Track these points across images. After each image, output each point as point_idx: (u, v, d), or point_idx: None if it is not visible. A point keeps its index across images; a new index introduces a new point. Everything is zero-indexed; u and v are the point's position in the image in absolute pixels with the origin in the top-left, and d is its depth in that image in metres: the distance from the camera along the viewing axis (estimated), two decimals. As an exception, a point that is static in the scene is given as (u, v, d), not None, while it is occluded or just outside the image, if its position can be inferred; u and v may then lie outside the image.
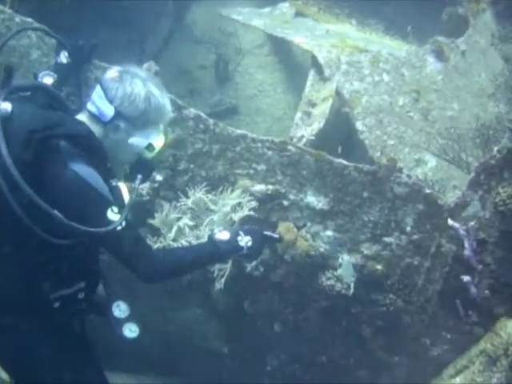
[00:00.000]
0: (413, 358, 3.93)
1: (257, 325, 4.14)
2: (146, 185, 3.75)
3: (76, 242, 2.44)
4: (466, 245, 3.38)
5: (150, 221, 3.60)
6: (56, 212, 2.27)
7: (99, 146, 2.53)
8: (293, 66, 5.73)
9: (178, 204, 3.61)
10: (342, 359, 4.12)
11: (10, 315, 2.54)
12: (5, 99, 2.37)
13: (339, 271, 3.54)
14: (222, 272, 3.56)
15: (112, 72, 2.61)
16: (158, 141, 2.67)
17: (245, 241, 2.80)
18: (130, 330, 2.83)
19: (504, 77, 4.68)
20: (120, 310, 2.83)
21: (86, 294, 2.65)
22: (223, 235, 2.78)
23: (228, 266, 3.54)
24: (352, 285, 3.53)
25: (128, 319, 2.83)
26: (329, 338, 4.06)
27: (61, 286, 2.56)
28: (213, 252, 2.75)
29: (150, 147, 2.64)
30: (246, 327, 4.19)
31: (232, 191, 3.58)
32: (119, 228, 2.41)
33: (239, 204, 3.56)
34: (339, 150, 3.67)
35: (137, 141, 2.61)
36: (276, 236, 3.02)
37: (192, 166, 3.70)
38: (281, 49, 5.78)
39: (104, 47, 3.60)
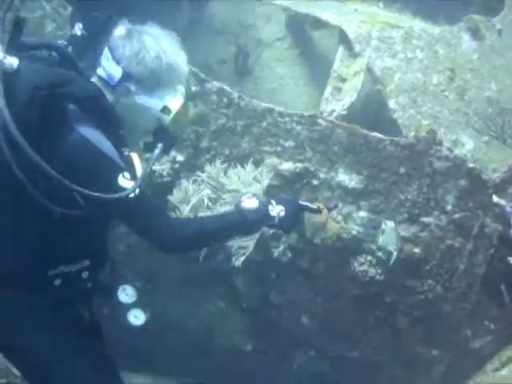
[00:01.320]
0: (452, 352, 3.65)
1: (283, 318, 3.90)
2: (167, 165, 3.56)
3: (83, 212, 2.23)
4: (514, 223, 3.12)
5: (169, 197, 3.37)
6: (59, 176, 2.07)
7: (110, 110, 2.33)
8: (314, 59, 5.55)
9: (195, 177, 3.40)
10: (376, 355, 3.85)
11: (9, 288, 2.32)
12: (12, 54, 2.18)
13: (381, 239, 3.26)
14: (243, 251, 3.30)
15: (119, 29, 2.41)
16: (174, 102, 2.43)
17: (276, 211, 2.54)
18: (136, 317, 2.60)
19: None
20: (126, 294, 2.60)
21: (90, 273, 2.44)
22: (251, 203, 2.53)
23: (251, 243, 3.29)
24: (395, 255, 3.25)
25: (134, 305, 2.61)
26: (361, 330, 3.80)
27: (63, 261, 2.34)
28: (239, 221, 2.49)
29: (165, 110, 2.41)
30: (272, 321, 3.94)
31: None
32: (132, 195, 2.20)
33: (256, 178, 3.33)
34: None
35: (150, 103, 2.39)
36: (313, 207, 2.73)
37: (215, 143, 3.49)
38: (302, 42, 5.61)
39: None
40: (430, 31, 4.11)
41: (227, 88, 3.40)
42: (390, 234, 3.21)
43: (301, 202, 2.68)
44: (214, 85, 3.40)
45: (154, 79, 2.35)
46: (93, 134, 2.20)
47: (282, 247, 3.54)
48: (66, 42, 2.88)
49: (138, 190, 2.22)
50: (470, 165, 3.18)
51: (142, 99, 2.37)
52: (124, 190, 2.18)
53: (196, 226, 2.48)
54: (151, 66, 2.32)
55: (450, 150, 3.16)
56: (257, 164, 3.42)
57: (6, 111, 2.02)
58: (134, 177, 2.25)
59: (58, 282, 2.35)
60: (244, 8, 5.59)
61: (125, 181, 2.21)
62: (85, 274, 2.43)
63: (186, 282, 3.98)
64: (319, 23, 4.85)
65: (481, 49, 4.21)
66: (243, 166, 3.37)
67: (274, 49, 5.67)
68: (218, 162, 3.38)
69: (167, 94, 2.41)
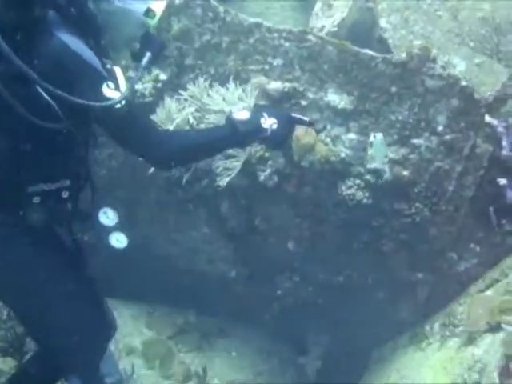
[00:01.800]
0: (437, 275, 3.66)
1: (268, 244, 3.86)
2: (149, 84, 3.41)
3: (63, 125, 2.13)
4: (505, 143, 3.05)
5: (152, 117, 3.24)
6: (41, 80, 1.97)
7: (92, 18, 2.20)
8: (302, -17, 5.31)
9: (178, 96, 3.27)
10: (360, 279, 3.86)
11: None
12: None
13: (370, 151, 3.18)
14: (229, 172, 3.22)
15: None
16: (158, 4, 2.31)
17: (269, 123, 2.44)
18: (118, 240, 2.54)
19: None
20: (108, 217, 2.53)
21: (70, 193, 2.35)
22: (242, 114, 2.44)
23: (237, 165, 3.20)
24: (386, 167, 3.19)
25: (116, 228, 2.53)
26: (346, 255, 3.79)
27: (43, 178, 2.25)
28: (230, 133, 2.40)
29: (149, 13, 2.29)
30: (257, 247, 3.91)
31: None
32: (118, 106, 2.09)
33: (240, 97, 3.21)
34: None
35: (132, 6, 2.27)
36: (306, 119, 2.63)
37: (200, 62, 3.34)
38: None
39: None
40: None
41: (213, 1, 3.23)
42: (378, 147, 3.12)
43: (293, 115, 2.58)
44: (199, -3, 3.22)
45: None
46: (73, 41, 2.11)
47: (268, 171, 3.46)
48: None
49: (124, 102, 2.12)
50: (463, 83, 3.08)
51: (124, 2, 2.24)
52: (109, 99, 2.08)
53: (186, 137, 2.41)
54: None
55: (444, 68, 3.05)
56: (243, 83, 3.30)
57: None
58: (117, 89, 2.15)
59: (37, 199, 2.27)
60: None
61: (109, 90, 2.13)
62: (65, 194, 2.35)
63: (169, 207, 3.91)
64: None
65: (474, -32, 4.05)
66: (227, 86, 3.24)
67: (260, -28, 5.42)
68: (201, 81, 3.24)
69: None
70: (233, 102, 3.17)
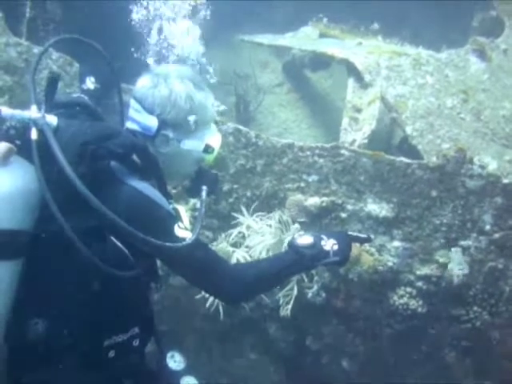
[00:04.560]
0: (507, 382, 3.43)
1: (321, 364, 3.69)
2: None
3: (133, 273, 2.05)
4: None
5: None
6: (130, 227, 1.90)
7: (155, 162, 2.20)
8: (314, 101, 5.58)
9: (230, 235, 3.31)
10: (424, 394, 3.63)
11: (54, 369, 2.12)
12: (49, 112, 2.07)
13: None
14: (287, 298, 3.15)
15: (142, 80, 2.31)
16: (215, 139, 2.32)
17: (329, 245, 2.38)
18: None
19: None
20: (175, 361, 2.42)
21: (140, 341, 2.24)
22: (305, 240, 2.37)
23: (294, 290, 3.14)
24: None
25: (185, 371, 2.42)
26: (406, 368, 3.58)
27: (116, 330, 2.15)
28: (298, 259, 2.31)
29: (208, 149, 2.29)
30: (310, 369, 3.73)
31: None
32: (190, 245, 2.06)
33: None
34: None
35: (192, 146, 2.27)
36: (363, 236, 2.57)
37: (236, 186, 3.37)
38: (300, 85, 5.64)
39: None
40: (437, 56, 4.08)
41: (243, 128, 3.32)
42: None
43: (350, 233, 2.53)
44: (230, 126, 3.32)
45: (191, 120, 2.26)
46: (142, 186, 2.08)
47: (315, 287, 3.38)
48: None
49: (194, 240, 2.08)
50: (505, 180, 3.06)
51: (183, 143, 2.25)
52: (182, 239, 2.03)
53: (257, 270, 2.29)
54: (185, 107, 2.21)
55: (482, 168, 3.05)
56: (281, 202, 3.33)
57: (68, 167, 1.89)
58: (187, 228, 2.12)
59: (112, 353, 2.14)
60: (240, 56, 5.62)
61: (181, 231, 2.06)
62: (135, 342, 2.24)
63: (214, 337, 3.79)
64: (322, 62, 4.87)
65: (489, 69, 4.18)
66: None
67: (274, 94, 5.69)
68: (246, 212, 3.28)
69: (206, 133, 2.29)
70: (274, 231, 3.19)
